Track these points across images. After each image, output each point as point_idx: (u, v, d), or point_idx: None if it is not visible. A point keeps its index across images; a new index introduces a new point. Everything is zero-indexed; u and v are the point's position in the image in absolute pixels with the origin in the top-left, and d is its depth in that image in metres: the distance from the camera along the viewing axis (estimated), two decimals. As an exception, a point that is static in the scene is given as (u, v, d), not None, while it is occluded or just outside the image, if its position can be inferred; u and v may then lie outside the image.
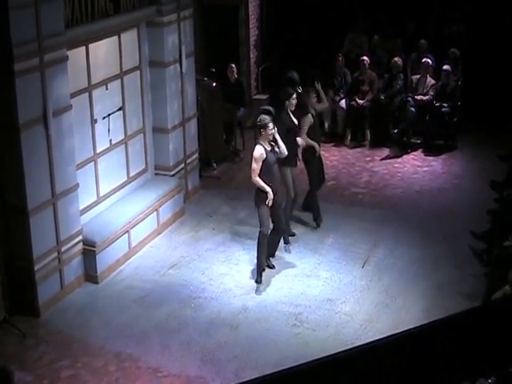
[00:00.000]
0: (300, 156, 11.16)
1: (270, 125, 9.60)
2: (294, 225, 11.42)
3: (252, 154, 9.76)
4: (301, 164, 11.37)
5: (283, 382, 2.78)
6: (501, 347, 3.01)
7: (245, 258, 10.66)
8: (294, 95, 10.84)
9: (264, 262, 10.05)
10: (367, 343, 2.86)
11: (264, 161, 9.60)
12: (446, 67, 14.57)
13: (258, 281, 9.93)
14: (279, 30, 16.84)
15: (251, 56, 16.47)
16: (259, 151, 9.61)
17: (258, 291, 9.80)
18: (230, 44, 15.94)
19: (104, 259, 10.13)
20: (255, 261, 10.11)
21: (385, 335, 3.00)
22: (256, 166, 9.59)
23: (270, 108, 10.16)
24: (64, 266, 9.64)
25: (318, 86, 11.66)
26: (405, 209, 12.18)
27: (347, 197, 12.73)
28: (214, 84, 13.69)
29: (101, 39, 10.39)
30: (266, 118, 9.68)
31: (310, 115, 11.16)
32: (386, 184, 13.22)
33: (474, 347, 2.92)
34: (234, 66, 14.45)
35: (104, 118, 10.69)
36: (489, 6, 15.50)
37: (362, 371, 2.78)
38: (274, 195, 9.66)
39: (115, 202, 10.95)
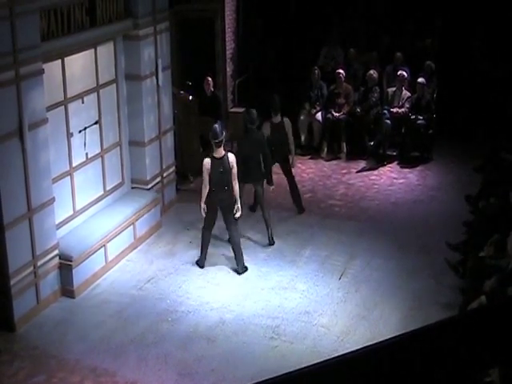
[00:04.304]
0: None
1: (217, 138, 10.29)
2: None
3: None
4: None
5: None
6: (477, 356, 3.02)
7: (222, 271, 10.64)
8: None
9: (239, 253, 10.62)
10: (344, 354, 2.86)
11: (211, 170, 10.28)
12: (421, 80, 14.68)
13: (241, 271, 10.62)
14: (255, 43, 16.90)
15: (227, 69, 16.50)
16: (204, 162, 10.37)
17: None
18: (206, 57, 15.96)
19: (80, 273, 10.07)
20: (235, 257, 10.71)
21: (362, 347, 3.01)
22: (205, 176, 10.35)
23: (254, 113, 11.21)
24: (40, 280, 9.57)
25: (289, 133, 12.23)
26: (381, 221, 12.23)
27: (324, 209, 12.76)
28: (191, 97, 13.69)
29: (77, 52, 10.36)
30: (216, 130, 10.30)
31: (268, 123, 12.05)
32: (363, 196, 13.27)
33: (450, 357, 2.93)
34: (210, 79, 14.45)
35: (80, 131, 10.65)
36: (463, 19, 15.68)
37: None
38: (215, 203, 10.43)
39: (91, 215, 10.90)
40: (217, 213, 10.61)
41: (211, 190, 10.32)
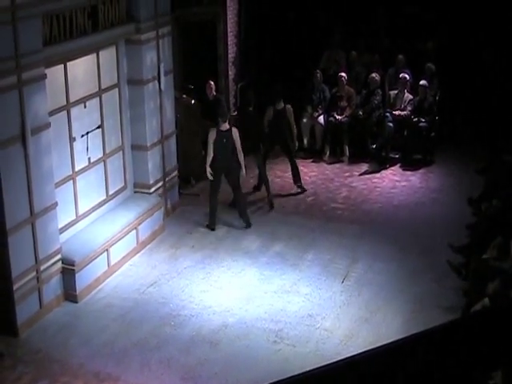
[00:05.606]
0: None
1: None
2: (274, 240, 11.50)
3: None
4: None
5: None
6: (480, 359, 3.02)
7: (224, 274, 10.64)
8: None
9: (244, 210, 12.13)
10: (347, 357, 2.87)
11: (215, 139, 11.66)
12: (423, 82, 14.68)
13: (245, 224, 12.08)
14: (257, 47, 16.91)
15: (229, 73, 16.50)
16: (209, 133, 11.80)
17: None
18: (208, 61, 15.96)
19: (83, 278, 10.07)
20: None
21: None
22: (209, 145, 11.77)
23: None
24: (43, 284, 9.58)
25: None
26: (383, 223, 12.22)
27: (326, 212, 12.76)
28: (193, 101, 13.70)
29: (79, 57, 10.37)
30: (224, 109, 12.16)
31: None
32: (365, 199, 13.27)
33: (453, 360, 2.93)
34: (212, 82, 14.45)
35: (82, 135, 10.66)
36: (463, 21, 15.67)
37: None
38: (220, 170, 11.83)
39: (94, 220, 10.90)
40: (221, 179, 12.01)
41: (216, 159, 11.70)
